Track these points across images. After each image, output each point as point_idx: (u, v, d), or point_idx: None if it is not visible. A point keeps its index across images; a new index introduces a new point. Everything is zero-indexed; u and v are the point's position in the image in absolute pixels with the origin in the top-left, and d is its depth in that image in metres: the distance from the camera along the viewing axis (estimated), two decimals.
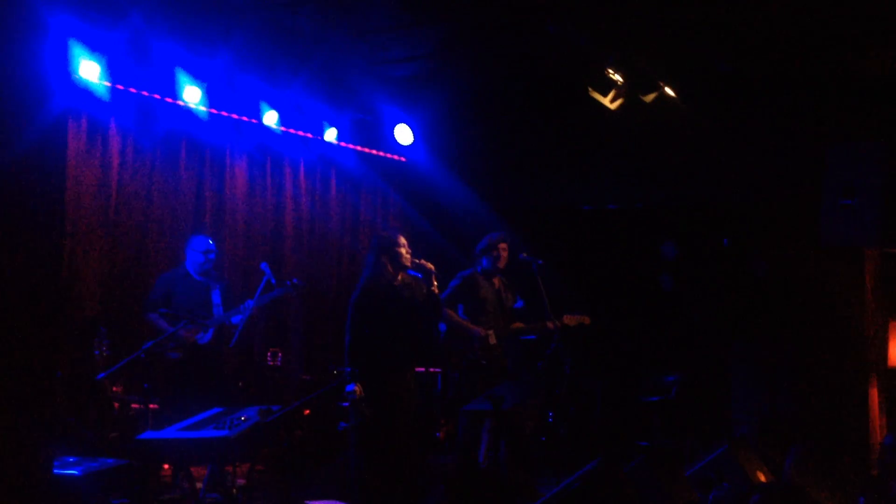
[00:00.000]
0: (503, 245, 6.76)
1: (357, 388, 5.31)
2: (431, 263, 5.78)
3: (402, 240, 5.77)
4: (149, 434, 4.36)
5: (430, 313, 5.72)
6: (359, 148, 9.18)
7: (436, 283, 5.68)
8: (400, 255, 5.68)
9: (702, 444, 7.11)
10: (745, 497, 5.76)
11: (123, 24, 6.95)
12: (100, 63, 6.89)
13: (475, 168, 9.09)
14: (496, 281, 6.78)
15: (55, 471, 4.59)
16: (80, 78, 6.82)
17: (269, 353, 7.75)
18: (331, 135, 8.70)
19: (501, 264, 6.74)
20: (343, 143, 8.96)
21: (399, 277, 5.75)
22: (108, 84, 7.07)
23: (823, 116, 7.48)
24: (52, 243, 2.77)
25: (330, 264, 8.91)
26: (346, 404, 5.31)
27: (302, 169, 8.79)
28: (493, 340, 6.59)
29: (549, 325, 6.60)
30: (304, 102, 8.49)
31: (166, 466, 6.18)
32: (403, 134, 8.98)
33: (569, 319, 6.70)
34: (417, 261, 5.76)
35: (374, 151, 9.32)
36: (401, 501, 5.31)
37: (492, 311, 6.69)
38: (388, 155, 9.45)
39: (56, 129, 3.56)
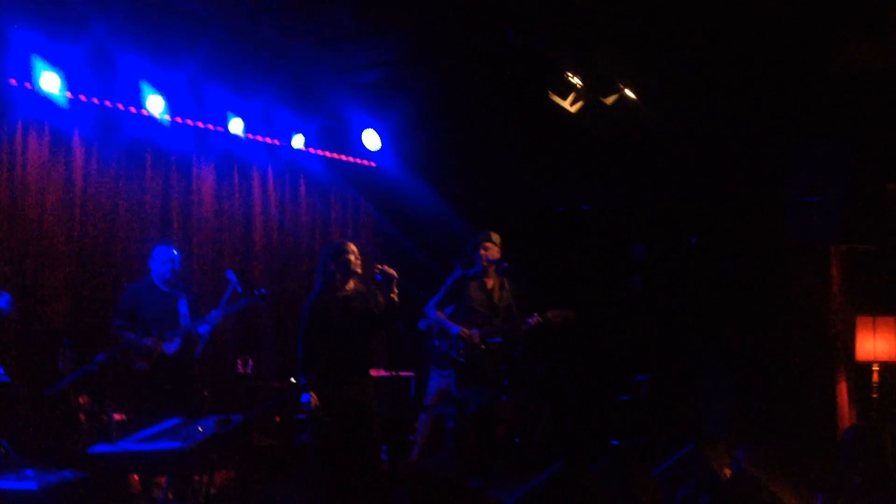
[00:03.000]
0: (487, 243, 6.77)
1: (312, 398, 5.30)
2: (394, 269, 5.73)
3: (352, 247, 5.69)
4: (101, 447, 4.34)
5: (387, 320, 5.67)
6: (327, 154, 9.17)
7: (396, 290, 5.63)
8: (349, 262, 5.62)
9: (671, 442, 7.13)
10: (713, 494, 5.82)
11: (86, 35, 6.95)
12: (61, 75, 6.88)
13: (443, 172, 9.11)
14: (489, 281, 6.79)
15: (12, 485, 4.59)
16: (42, 90, 6.81)
17: (239, 362, 7.75)
18: (298, 141, 8.69)
19: (484, 262, 6.73)
20: (311, 150, 8.96)
21: (351, 285, 5.66)
22: (70, 95, 7.07)
23: (787, 114, 7.52)
24: None
25: (300, 271, 8.89)
26: (302, 416, 5.29)
27: (270, 176, 8.78)
28: (475, 340, 6.58)
29: (531, 321, 6.58)
30: (271, 110, 8.49)
31: (135, 478, 6.16)
32: (371, 139, 8.99)
33: (553, 315, 6.69)
34: (380, 267, 5.71)
35: (342, 157, 9.32)
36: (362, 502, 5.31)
37: (480, 312, 6.69)
38: (357, 160, 9.45)
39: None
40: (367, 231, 9.62)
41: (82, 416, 6.22)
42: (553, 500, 5.40)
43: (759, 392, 7.78)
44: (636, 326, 8.42)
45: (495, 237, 6.81)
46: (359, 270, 5.63)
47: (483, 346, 6.64)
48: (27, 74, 6.78)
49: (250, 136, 8.43)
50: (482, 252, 6.78)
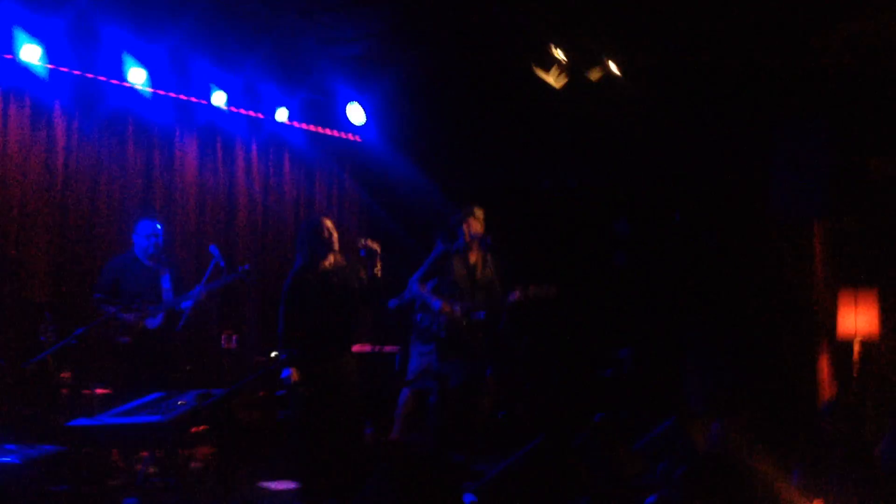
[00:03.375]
0: (471, 217, 6.74)
1: (293, 373, 5.30)
2: (378, 244, 5.70)
3: (328, 222, 5.64)
4: (81, 420, 4.34)
5: (368, 295, 5.65)
6: (311, 128, 9.12)
7: (380, 265, 5.61)
8: (325, 237, 5.59)
9: (653, 417, 7.18)
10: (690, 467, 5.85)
11: (68, 6, 6.88)
12: (42, 46, 6.82)
13: (427, 148, 9.08)
14: (472, 256, 6.77)
15: None
16: (22, 61, 6.75)
17: (223, 336, 7.74)
18: (282, 115, 8.64)
19: (473, 236, 6.71)
20: (295, 124, 8.91)
21: (330, 260, 5.63)
22: (50, 66, 7.01)
23: (770, 91, 7.51)
24: None
25: (284, 247, 8.86)
26: (282, 392, 5.30)
27: (254, 150, 8.73)
28: (457, 315, 6.57)
29: (514, 297, 6.59)
30: (255, 83, 8.43)
31: (115, 452, 6.16)
32: (356, 114, 8.94)
33: (535, 290, 6.69)
34: (364, 241, 5.69)
35: (327, 131, 9.28)
36: (345, 481, 5.32)
37: (462, 287, 6.68)
38: (342, 135, 9.41)
39: None
40: (350, 206, 9.59)
41: (64, 391, 6.22)
42: (535, 474, 5.43)
43: (740, 367, 7.82)
44: (619, 302, 8.44)
45: (479, 212, 6.79)
46: (335, 245, 5.59)
47: (465, 321, 6.64)
48: (7, 45, 6.72)
49: (234, 109, 8.39)
50: (465, 227, 6.76)
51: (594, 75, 6.87)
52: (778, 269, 7.77)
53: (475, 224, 6.76)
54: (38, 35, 6.81)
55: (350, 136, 9.46)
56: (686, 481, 5.00)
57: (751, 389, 7.66)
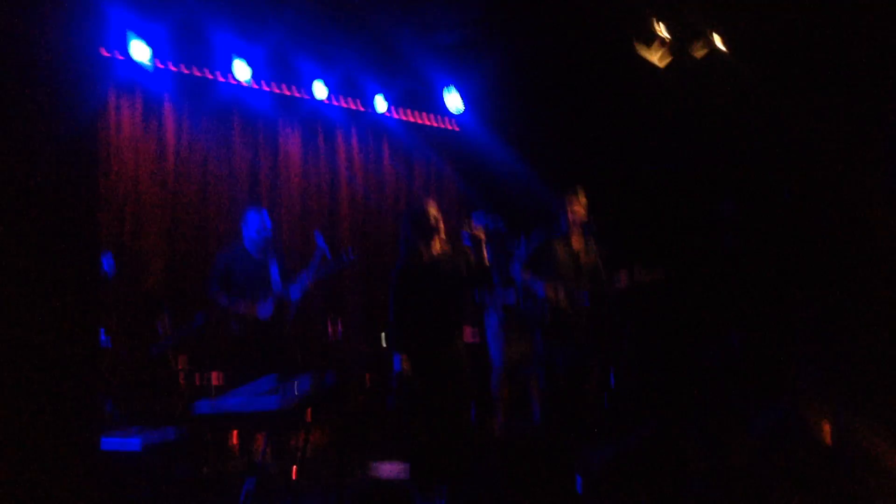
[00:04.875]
0: (577, 202, 6.64)
1: (404, 363, 5.31)
2: (482, 231, 5.65)
3: (432, 208, 5.56)
4: (203, 407, 4.47)
5: (477, 283, 5.61)
6: (410, 117, 9.18)
7: (486, 251, 5.57)
8: (430, 224, 5.51)
9: (767, 403, 7.00)
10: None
11: (176, 7, 7.09)
12: (152, 42, 7.06)
13: (526, 133, 9.01)
14: (576, 241, 6.67)
15: (117, 442, 4.77)
16: (134, 59, 7.00)
17: (329, 326, 7.86)
18: (381, 105, 8.73)
19: (575, 221, 6.62)
20: (394, 113, 8.99)
21: (437, 247, 5.56)
22: (160, 65, 7.25)
23: (884, 63, 7.19)
24: (87, 214, 2.82)
25: (385, 235, 8.97)
26: (395, 384, 5.32)
27: (354, 140, 8.85)
28: (563, 301, 6.49)
29: (619, 284, 6.49)
30: (354, 74, 8.55)
31: (234, 437, 6.32)
32: (454, 102, 8.95)
33: (641, 274, 6.56)
34: (468, 229, 5.64)
35: (425, 120, 9.32)
36: (455, 465, 5.34)
37: (565, 273, 6.60)
38: (440, 124, 9.43)
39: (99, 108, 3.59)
40: (449, 194, 9.62)
41: (181, 379, 6.41)
42: (644, 461, 5.36)
43: (857, 353, 7.55)
44: (728, 285, 8.24)
45: (581, 196, 6.68)
46: (441, 231, 5.55)
47: (570, 307, 6.56)
48: (119, 46, 6.97)
49: (334, 100, 8.52)
50: (568, 212, 6.66)
51: (698, 52, 6.70)
52: (882, 247, 7.47)
53: (578, 209, 6.65)
54: (147, 35, 7.04)
55: (448, 125, 9.48)
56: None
57: (863, 374, 7.40)
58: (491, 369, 7.43)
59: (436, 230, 5.50)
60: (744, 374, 7.70)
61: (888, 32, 7.12)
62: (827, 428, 5.84)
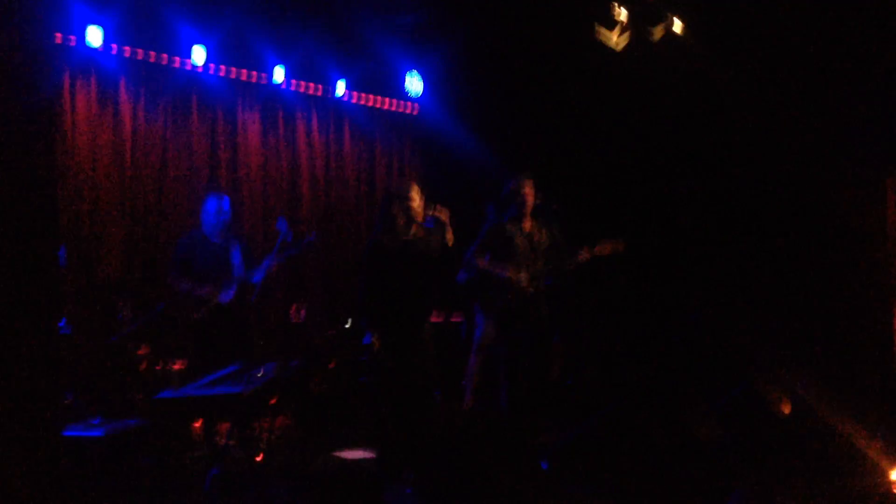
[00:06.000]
0: (527, 186, 6.64)
1: (374, 340, 5.32)
2: (445, 212, 5.66)
3: (415, 191, 5.61)
4: (166, 393, 4.44)
5: (445, 264, 5.63)
6: (370, 100, 9.13)
7: (451, 232, 5.59)
8: (411, 207, 5.58)
9: (727, 379, 7.10)
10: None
11: None
12: (105, 27, 6.95)
13: (485, 115, 9.01)
14: (527, 223, 6.67)
15: (79, 433, 4.72)
16: (88, 42, 6.89)
17: (292, 309, 7.83)
18: (341, 88, 8.68)
19: (528, 206, 6.64)
20: (354, 96, 8.94)
21: (413, 229, 5.64)
22: (114, 47, 7.14)
23: (845, 44, 7.27)
24: (46, 199, 2.78)
25: (347, 218, 8.95)
26: (365, 358, 5.33)
27: (315, 123, 8.78)
28: (524, 283, 6.51)
29: (580, 257, 6.50)
30: (313, 57, 8.47)
31: (197, 424, 6.28)
32: (414, 84, 8.92)
33: (601, 248, 6.58)
34: (431, 211, 5.65)
35: (385, 104, 9.26)
36: (421, 450, 5.36)
37: (524, 255, 6.61)
38: (400, 105, 9.39)
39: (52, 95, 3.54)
40: (410, 176, 9.59)
41: (142, 366, 6.35)
42: (608, 440, 5.42)
43: (813, 327, 7.69)
44: (687, 264, 8.33)
45: (529, 180, 6.67)
46: (421, 213, 5.57)
47: (531, 289, 6.58)
48: (71, 29, 6.85)
49: (294, 83, 8.45)
50: (521, 196, 6.65)
51: (656, 34, 6.74)
52: (850, 226, 7.60)
53: (528, 191, 6.65)
54: (101, 19, 6.93)
55: (409, 107, 9.45)
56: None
57: (824, 350, 7.54)
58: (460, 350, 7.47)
59: (415, 213, 5.53)
60: (704, 352, 7.79)
61: (849, 14, 7.22)
62: (785, 402, 5.94)
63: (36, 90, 2.80)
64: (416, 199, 5.60)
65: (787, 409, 5.85)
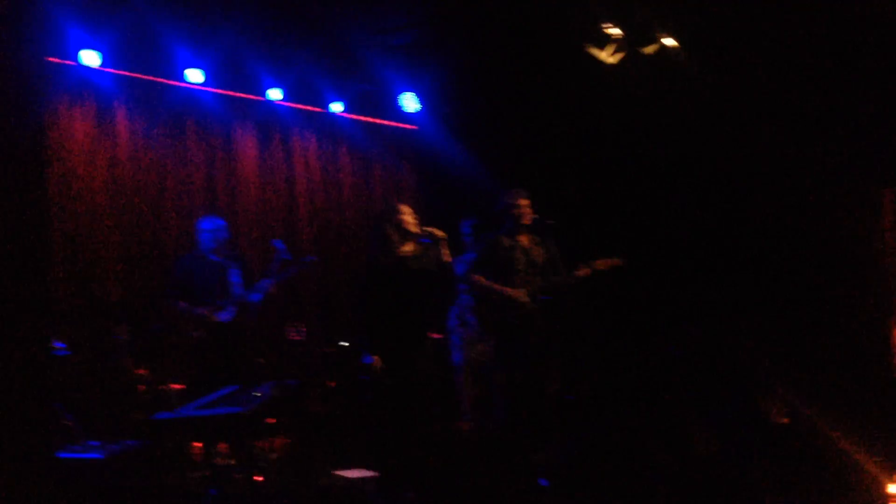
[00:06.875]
0: (523, 201, 6.64)
1: (375, 360, 5.32)
2: (441, 230, 5.69)
3: (406, 208, 5.65)
4: (164, 414, 4.44)
5: (442, 281, 5.64)
6: (367, 119, 9.18)
7: (447, 250, 5.60)
8: (404, 222, 5.60)
9: (724, 391, 7.10)
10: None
11: (125, 9, 7.02)
12: (102, 49, 6.99)
13: (481, 132, 9.04)
14: (523, 239, 6.64)
15: (78, 455, 4.72)
16: (83, 64, 6.93)
17: (291, 329, 7.83)
18: (337, 108, 8.72)
19: (525, 220, 6.62)
20: (351, 115, 8.98)
21: (409, 247, 5.65)
22: (111, 70, 7.18)
23: (839, 58, 7.30)
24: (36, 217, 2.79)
25: (345, 237, 8.97)
26: (366, 377, 5.32)
27: (312, 143, 8.84)
28: (524, 299, 6.51)
29: (579, 272, 6.51)
30: (309, 78, 8.52)
31: (196, 445, 6.27)
32: (410, 102, 8.97)
33: (600, 264, 6.58)
34: (426, 229, 5.67)
35: (382, 121, 9.32)
36: (422, 469, 5.36)
37: (522, 271, 6.61)
38: (397, 124, 9.44)
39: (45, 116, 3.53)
40: (408, 195, 9.62)
41: (141, 387, 6.35)
42: (607, 453, 5.42)
43: (811, 339, 7.69)
44: (685, 278, 8.34)
45: (524, 196, 6.67)
46: (415, 230, 5.59)
47: (530, 305, 6.57)
48: (68, 52, 6.89)
49: (290, 104, 8.49)
50: (517, 211, 6.65)
51: (649, 50, 6.77)
52: (847, 238, 7.62)
53: (523, 207, 6.65)
54: (97, 40, 6.97)
55: (405, 125, 9.49)
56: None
57: (821, 361, 7.54)
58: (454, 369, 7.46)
59: (409, 230, 5.55)
60: (702, 365, 7.79)
61: (841, 24, 7.26)
62: (783, 413, 5.95)
63: (28, 111, 2.82)
64: (407, 213, 5.63)
65: (784, 421, 5.86)
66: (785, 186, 7.89)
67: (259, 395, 4.64)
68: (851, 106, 7.36)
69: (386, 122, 9.37)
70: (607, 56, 6.83)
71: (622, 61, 6.95)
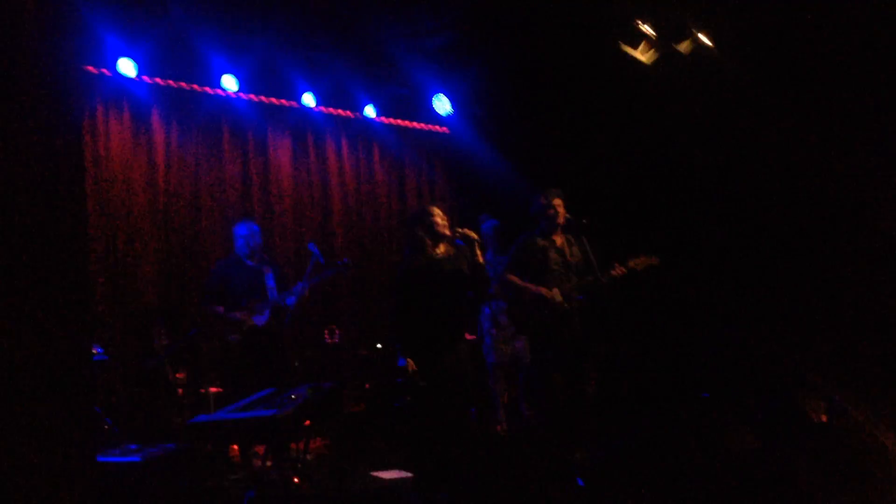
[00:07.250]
0: (557, 201, 6.63)
1: (409, 363, 5.32)
2: (473, 231, 5.68)
3: (436, 209, 5.62)
4: (201, 417, 4.47)
5: (476, 283, 5.62)
6: (400, 122, 9.22)
7: (480, 251, 5.59)
8: (435, 224, 5.57)
9: (764, 390, 7.02)
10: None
11: (161, 18, 7.12)
12: (138, 58, 7.10)
13: (513, 134, 9.03)
14: (558, 239, 6.62)
15: (116, 458, 4.78)
16: (121, 73, 7.04)
17: (326, 331, 7.88)
18: (370, 111, 8.77)
19: (560, 220, 6.59)
20: (384, 119, 9.02)
21: (441, 249, 5.67)
22: (147, 79, 7.28)
23: (877, 48, 7.18)
24: (76, 225, 2.83)
25: (378, 240, 9.00)
26: (401, 379, 5.32)
27: (345, 147, 8.89)
28: (559, 299, 6.49)
29: (614, 272, 6.47)
30: (342, 82, 8.57)
31: (235, 448, 6.33)
32: (443, 105, 8.99)
33: (634, 263, 6.54)
34: (460, 230, 5.65)
35: (415, 124, 9.35)
36: (458, 471, 5.35)
37: (557, 271, 6.59)
38: (429, 127, 9.46)
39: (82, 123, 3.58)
40: (441, 197, 9.65)
41: (180, 391, 6.42)
42: (645, 454, 5.38)
43: (854, 339, 7.57)
44: (723, 278, 8.25)
45: (559, 196, 6.65)
46: (446, 232, 5.58)
47: (567, 305, 6.55)
48: (104, 60, 7.00)
49: (323, 108, 8.55)
50: (552, 211, 6.63)
51: (684, 48, 6.71)
52: (884, 234, 7.50)
53: (557, 208, 6.63)
54: (134, 49, 7.07)
55: (438, 128, 9.51)
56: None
57: (866, 362, 7.42)
58: (487, 369, 7.45)
59: (440, 231, 5.55)
60: (739, 365, 7.71)
61: (874, 25, 7.15)
62: (822, 410, 5.86)
63: (66, 119, 2.86)
64: (438, 215, 5.62)
65: (824, 419, 5.78)
66: (821, 185, 7.78)
67: (295, 397, 4.66)
68: (890, 104, 7.25)
69: (418, 126, 9.39)
70: (641, 55, 6.78)
71: (658, 59, 6.88)
